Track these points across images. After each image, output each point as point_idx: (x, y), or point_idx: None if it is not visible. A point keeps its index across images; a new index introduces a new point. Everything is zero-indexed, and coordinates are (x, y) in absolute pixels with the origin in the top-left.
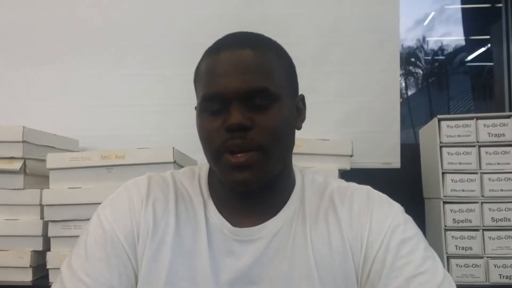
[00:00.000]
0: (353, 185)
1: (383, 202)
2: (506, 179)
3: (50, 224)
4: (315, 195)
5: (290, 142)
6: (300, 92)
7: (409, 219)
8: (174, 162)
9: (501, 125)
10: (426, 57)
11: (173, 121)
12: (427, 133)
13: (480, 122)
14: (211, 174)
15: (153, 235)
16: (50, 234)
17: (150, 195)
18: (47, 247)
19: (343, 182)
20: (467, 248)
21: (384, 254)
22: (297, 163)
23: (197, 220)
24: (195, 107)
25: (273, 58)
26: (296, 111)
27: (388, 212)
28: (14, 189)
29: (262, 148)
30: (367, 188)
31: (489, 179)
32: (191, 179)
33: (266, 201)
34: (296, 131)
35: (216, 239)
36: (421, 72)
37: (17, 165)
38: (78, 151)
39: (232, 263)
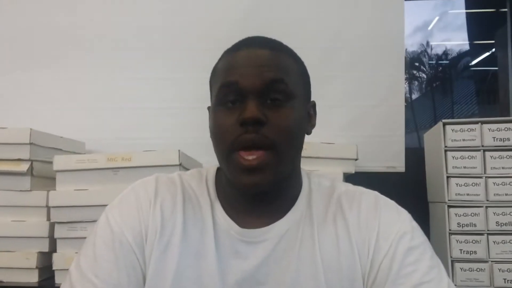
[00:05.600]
0: (360, 189)
1: (391, 208)
2: (511, 183)
3: (56, 226)
4: (323, 199)
5: (300, 144)
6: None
7: (416, 227)
8: (180, 164)
9: (506, 129)
10: (430, 62)
11: (179, 124)
12: (432, 137)
13: (485, 126)
14: (218, 175)
15: (160, 236)
16: (56, 235)
17: (158, 196)
18: (53, 248)
19: (350, 186)
20: (471, 252)
21: (391, 261)
22: (302, 167)
23: (204, 221)
24: (208, 107)
25: (291, 61)
26: (308, 116)
27: (396, 219)
28: (21, 190)
29: (274, 146)
30: (375, 193)
31: (494, 183)
32: (198, 180)
33: (273, 203)
34: None
35: (223, 240)
36: (425, 77)
37: (24, 167)
38: (84, 154)
39: (239, 264)
